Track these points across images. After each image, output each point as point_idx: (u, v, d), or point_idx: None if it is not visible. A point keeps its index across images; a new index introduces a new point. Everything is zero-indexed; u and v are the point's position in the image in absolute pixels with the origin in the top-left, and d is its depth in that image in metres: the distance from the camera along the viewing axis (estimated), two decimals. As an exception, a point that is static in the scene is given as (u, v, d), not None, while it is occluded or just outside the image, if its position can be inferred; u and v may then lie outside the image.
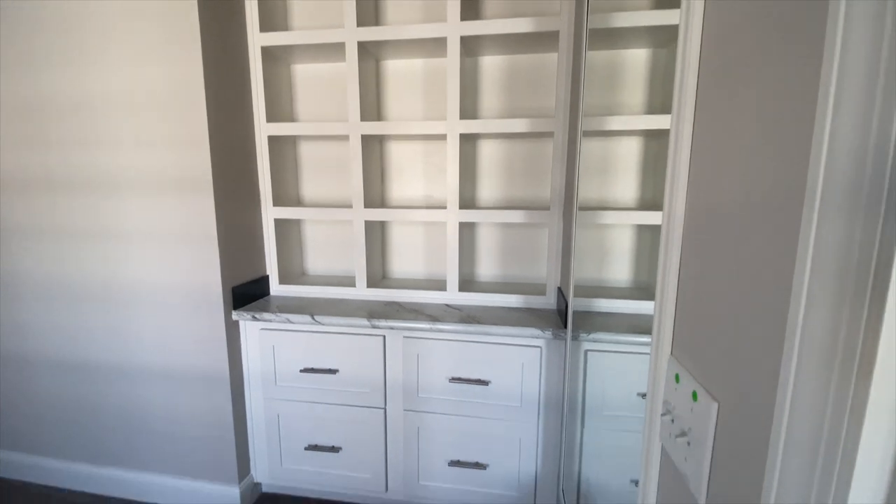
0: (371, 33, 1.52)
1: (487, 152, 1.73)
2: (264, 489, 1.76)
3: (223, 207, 1.49)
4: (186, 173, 1.44)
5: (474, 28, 1.46)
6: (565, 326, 1.40)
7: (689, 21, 0.48)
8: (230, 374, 1.56)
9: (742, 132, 0.39)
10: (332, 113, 1.77)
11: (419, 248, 1.86)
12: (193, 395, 1.59)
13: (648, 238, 1.58)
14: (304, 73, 1.79)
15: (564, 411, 1.38)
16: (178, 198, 1.46)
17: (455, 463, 1.53)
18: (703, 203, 0.46)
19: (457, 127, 1.53)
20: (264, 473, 1.68)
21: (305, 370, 1.56)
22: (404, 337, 1.50)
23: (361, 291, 1.72)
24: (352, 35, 1.53)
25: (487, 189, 1.76)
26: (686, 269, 0.50)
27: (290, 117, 1.81)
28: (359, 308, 1.60)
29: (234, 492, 1.62)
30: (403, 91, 1.74)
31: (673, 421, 0.49)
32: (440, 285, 1.74)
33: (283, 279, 1.80)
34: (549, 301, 1.60)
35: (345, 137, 1.66)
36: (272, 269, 1.77)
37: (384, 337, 1.51)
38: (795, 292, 0.30)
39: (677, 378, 0.48)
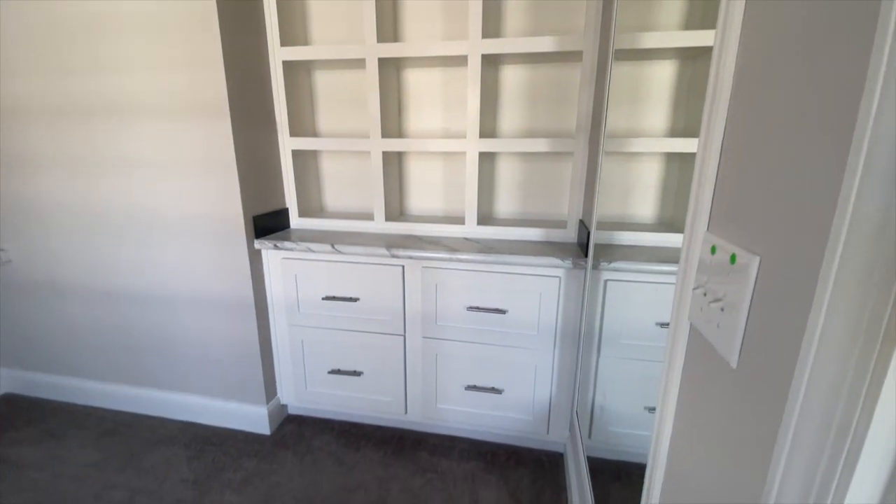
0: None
1: (510, 78, 1.65)
2: (290, 411, 1.87)
3: (241, 133, 1.47)
4: (201, 96, 1.42)
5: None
6: (585, 256, 1.39)
7: None
8: (255, 302, 1.61)
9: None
10: (346, 36, 1.69)
11: (437, 183, 1.84)
12: (221, 321, 1.65)
13: (676, 171, 1.52)
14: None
15: (581, 339, 1.40)
16: (195, 123, 1.45)
17: (471, 387, 1.59)
18: (756, 51, 0.43)
19: (478, 46, 1.45)
20: (290, 395, 1.78)
21: (327, 298, 1.60)
22: (423, 267, 1.51)
23: (380, 225, 1.72)
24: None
25: (509, 120, 1.70)
26: (730, 135, 0.47)
27: (305, 41, 1.74)
28: (377, 240, 1.60)
29: (263, 411, 1.72)
30: (422, 12, 1.64)
31: (705, 294, 0.48)
32: (459, 220, 1.73)
33: (303, 212, 1.80)
34: (569, 234, 1.58)
35: (360, 63, 1.60)
36: (291, 202, 1.77)
37: (403, 267, 1.53)
38: (855, 145, 0.27)
39: (713, 249, 0.47)
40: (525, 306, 1.47)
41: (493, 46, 1.45)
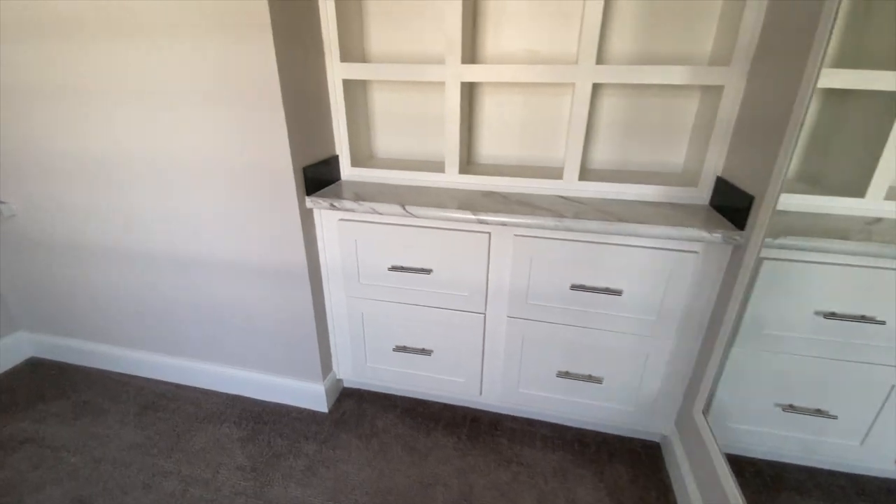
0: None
1: (635, -18, 1.22)
2: (346, 384, 1.68)
3: (285, 55, 1.11)
4: (235, 5, 1.04)
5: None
6: (735, 226, 1.08)
7: None
8: (308, 269, 1.34)
9: None
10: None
11: (515, 123, 1.48)
12: (268, 289, 1.40)
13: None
14: None
15: (721, 328, 1.13)
16: (227, 41, 1.08)
17: (564, 374, 1.36)
18: None
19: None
20: (347, 371, 1.58)
21: (394, 268, 1.33)
22: (515, 235, 1.22)
23: (452, 178, 1.40)
24: None
25: (618, 41, 1.29)
26: None
27: (355, -71, 1.30)
28: (451, 198, 1.29)
29: (319, 388, 1.53)
30: None
31: None
32: (548, 172, 1.40)
33: (356, 161, 1.48)
34: (700, 194, 1.25)
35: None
36: (342, 148, 1.44)
37: (489, 234, 1.23)
38: None
39: None
40: (646, 287, 1.19)
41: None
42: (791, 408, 1.20)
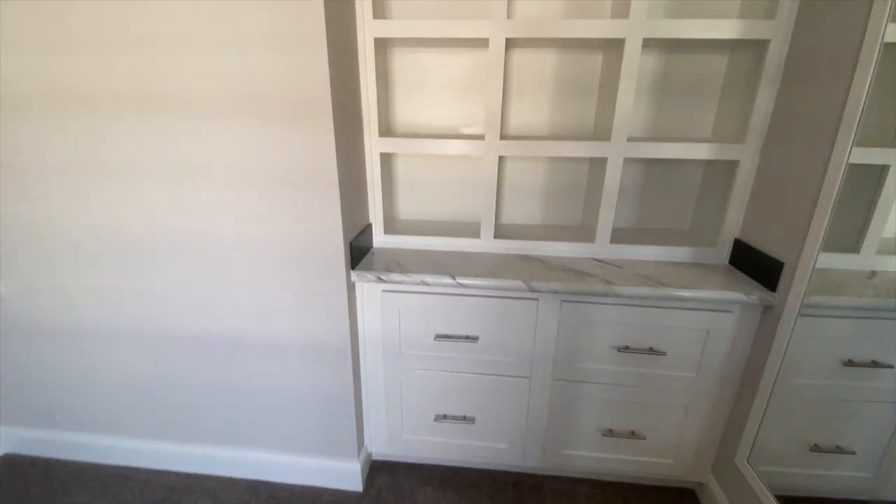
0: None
1: (647, 64, 1.36)
2: (374, 457, 1.61)
3: (340, 137, 1.12)
4: (290, 86, 1.04)
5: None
6: (763, 284, 1.18)
7: None
8: (350, 342, 1.30)
9: None
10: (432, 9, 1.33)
11: (536, 187, 1.55)
12: (306, 366, 1.34)
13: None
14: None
15: (762, 381, 1.21)
16: (280, 121, 1.07)
17: (608, 433, 1.39)
18: None
19: (640, 28, 1.15)
20: (380, 444, 1.51)
21: (440, 337, 1.32)
22: (563, 301, 1.26)
23: (487, 243, 1.43)
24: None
25: (643, 116, 1.42)
26: None
27: (382, 14, 1.36)
28: (492, 264, 1.32)
29: (355, 466, 1.45)
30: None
31: None
32: (574, 234, 1.47)
33: (388, 229, 1.48)
34: (720, 255, 1.37)
35: (481, 43, 1.26)
36: (376, 217, 1.44)
37: (537, 301, 1.27)
38: None
39: None
40: (687, 346, 1.26)
41: (660, 29, 1.16)
42: (816, 447, 1.30)
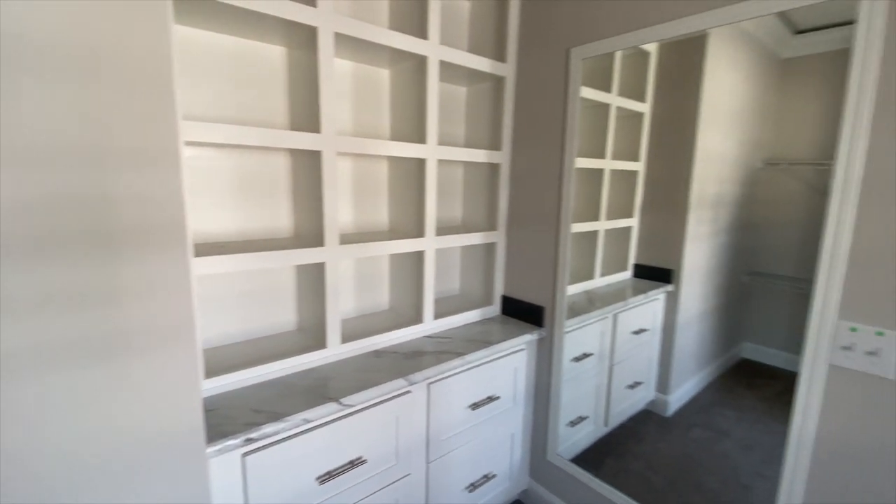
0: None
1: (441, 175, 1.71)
2: None
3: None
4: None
5: (451, 56, 1.45)
6: (533, 324, 1.71)
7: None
8: (212, 555, 0.90)
9: None
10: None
11: (349, 278, 1.60)
12: None
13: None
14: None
15: (552, 391, 1.71)
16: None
17: (471, 486, 1.55)
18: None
19: (434, 151, 1.48)
20: None
21: (325, 477, 1.12)
22: (429, 384, 1.36)
23: (335, 350, 1.34)
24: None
25: (441, 212, 1.75)
26: (858, 243, 1.00)
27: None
28: (350, 371, 1.27)
29: None
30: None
31: (852, 349, 0.99)
32: (406, 320, 1.60)
33: (208, 371, 1.12)
34: (496, 309, 1.84)
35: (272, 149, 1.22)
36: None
37: (410, 392, 1.31)
38: None
39: (854, 329, 0.99)
40: (507, 384, 1.62)
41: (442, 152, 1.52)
42: (571, 423, 1.93)
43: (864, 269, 0.97)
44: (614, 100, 1.61)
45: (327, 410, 1.08)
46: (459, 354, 1.41)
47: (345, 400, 1.12)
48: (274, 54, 1.31)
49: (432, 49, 1.40)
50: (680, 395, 1.80)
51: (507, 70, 1.65)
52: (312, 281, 1.36)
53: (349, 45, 1.29)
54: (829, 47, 1.30)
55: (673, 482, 1.66)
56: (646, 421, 1.84)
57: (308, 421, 1.06)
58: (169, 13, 0.72)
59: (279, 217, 1.40)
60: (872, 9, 0.90)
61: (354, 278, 1.60)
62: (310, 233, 1.34)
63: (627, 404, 1.85)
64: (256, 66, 1.28)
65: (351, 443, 1.18)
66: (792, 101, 1.44)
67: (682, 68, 1.51)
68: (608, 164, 1.66)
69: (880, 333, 0.95)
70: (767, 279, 1.66)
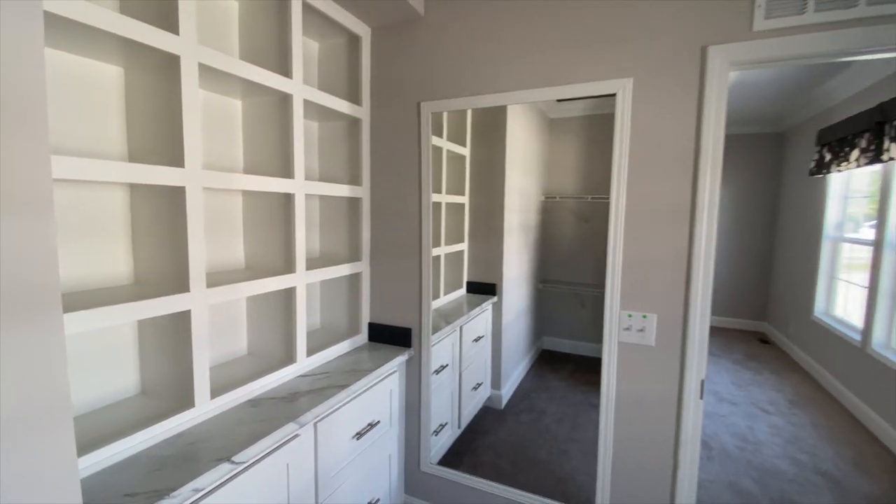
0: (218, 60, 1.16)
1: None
2: None
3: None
4: None
5: (315, 96, 1.51)
6: (402, 346, 1.84)
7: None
8: None
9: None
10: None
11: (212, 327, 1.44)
12: None
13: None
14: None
15: (422, 405, 1.84)
16: None
17: (359, 517, 1.55)
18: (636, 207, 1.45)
19: (302, 186, 1.50)
20: None
21: (217, 554, 0.99)
22: (316, 423, 1.33)
23: (204, 408, 1.19)
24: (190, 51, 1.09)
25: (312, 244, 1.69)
26: (627, 256, 1.46)
27: None
28: (226, 427, 1.17)
29: None
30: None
31: (630, 329, 1.45)
32: (276, 362, 1.51)
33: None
34: (363, 337, 1.89)
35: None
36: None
37: (299, 436, 1.26)
38: (693, 261, 1.38)
39: (630, 315, 1.45)
40: (383, 407, 1.69)
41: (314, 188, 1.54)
42: (441, 426, 2.12)
43: (631, 273, 1.45)
44: (445, 144, 1.91)
45: (218, 472, 0.97)
46: (343, 386, 1.43)
47: (236, 458, 1.02)
48: (108, 74, 1.12)
49: (296, 87, 1.43)
50: (508, 387, 2.19)
51: (363, 113, 1.78)
52: (161, 334, 1.19)
53: (206, 74, 1.21)
54: (579, 113, 1.94)
55: (515, 463, 1.99)
56: (487, 416, 2.17)
57: (198, 490, 0.93)
58: (40, 34, 0.60)
59: (115, 262, 1.17)
60: (624, 97, 1.39)
61: (208, 324, 1.44)
62: (163, 278, 1.18)
63: (473, 404, 2.15)
64: (83, 87, 1.08)
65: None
66: (557, 149, 2.04)
67: (490, 123, 1.94)
68: (444, 198, 1.95)
69: (645, 316, 1.44)
70: (553, 285, 2.23)
